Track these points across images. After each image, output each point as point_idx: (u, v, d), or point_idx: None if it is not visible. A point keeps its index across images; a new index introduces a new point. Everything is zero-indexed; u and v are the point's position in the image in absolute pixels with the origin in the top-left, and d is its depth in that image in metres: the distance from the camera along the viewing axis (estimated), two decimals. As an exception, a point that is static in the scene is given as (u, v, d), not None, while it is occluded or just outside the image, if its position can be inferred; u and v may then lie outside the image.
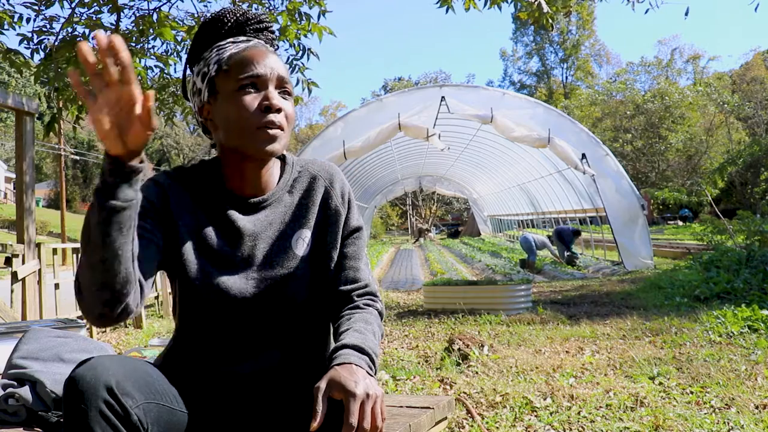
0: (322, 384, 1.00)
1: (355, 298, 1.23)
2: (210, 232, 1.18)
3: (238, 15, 1.22)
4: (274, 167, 1.24)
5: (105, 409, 0.95)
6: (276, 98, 1.14)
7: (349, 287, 1.23)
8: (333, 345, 1.14)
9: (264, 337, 1.19)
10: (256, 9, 5.14)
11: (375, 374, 1.09)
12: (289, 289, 1.19)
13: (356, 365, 1.04)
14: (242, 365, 1.18)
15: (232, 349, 1.18)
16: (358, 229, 1.28)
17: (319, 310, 1.25)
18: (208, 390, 1.17)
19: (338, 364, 1.04)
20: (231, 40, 1.20)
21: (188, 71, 1.27)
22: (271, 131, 1.13)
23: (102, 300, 1.00)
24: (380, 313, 1.25)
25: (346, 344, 1.09)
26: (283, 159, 1.28)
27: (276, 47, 1.28)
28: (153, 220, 1.14)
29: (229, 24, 1.21)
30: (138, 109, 0.93)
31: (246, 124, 1.12)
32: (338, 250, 1.25)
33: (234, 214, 1.19)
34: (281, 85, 1.16)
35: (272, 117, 1.13)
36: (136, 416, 0.98)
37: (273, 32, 1.27)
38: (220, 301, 1.16)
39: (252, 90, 1.13)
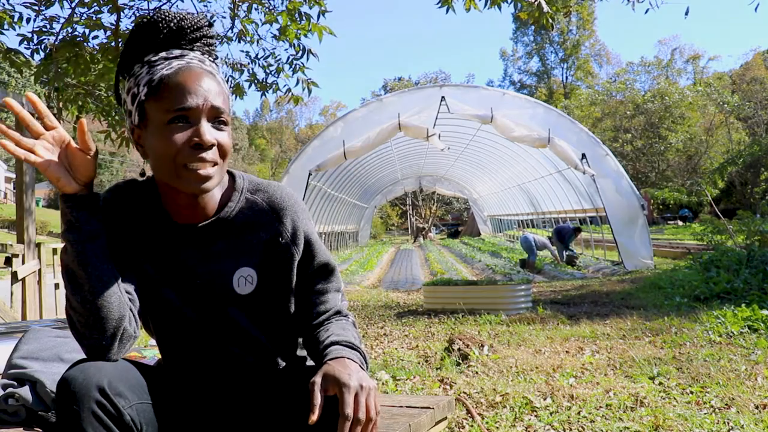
0: (318, 378, 1.01)
1: (325, 321, 1.21)
2: (150, 257, 1.15)
3: (173, 22, 1.11)
4: (215, 190, 1.15)
5: (97, 409, 0.95)
6: (208, 134, 1.05)
7: (319, 319, 1.21)
8: (318, 343, 1.15)
9: (227, 351, 1.19)
10: (256, 9, 5.14)
11: (366, 369, 1.10)
12: (234, 323, 1.17)
13: (348, 359, 1.06)
14: (216, 372, 1.19)
15: (200, 358, 1.19)
16: (324, 266, 1.23)
17: (279, 322, 1.23)
18: (195, 393, 1.17)
19: (331, 359, 1.05)
20: (164, 55, 1.09)
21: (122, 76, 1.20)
22: (203, 171, 1.05)
23: (104, 335, 1.03)
24: (353, 324, 1.23)
25: (335, 341, 1.11)
26: (232, 177, 1.20)
27: (215, 57, 1.17)
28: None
29: (165, 32, 1.10)
30: (73, 143, 1.00)
31: (175, 163, 1.04)
32: (303, 287, 1.21)
33: (173, 241, 1.15)
34: (215, 115, 1.07)
35: (203, 155, 1.04)
36: (129, 416, 0.98)
37: (212, 39, 1.16)
38: (172, 325, 1.18)
39: (182, 123, 1.05)
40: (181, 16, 1.12)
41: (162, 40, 1.10)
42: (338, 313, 1.23)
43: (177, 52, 1.11)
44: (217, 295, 1.15)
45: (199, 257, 1.15)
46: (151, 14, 1.13)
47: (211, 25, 1.17)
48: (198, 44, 1.14)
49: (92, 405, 0.95)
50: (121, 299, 1.04)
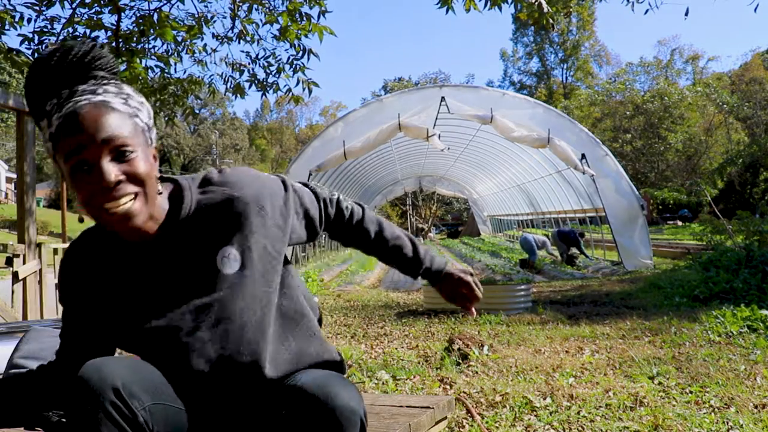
0: (458, 274, 1.55)
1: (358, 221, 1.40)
2: (124, 290, 1.14)
3: (54, 59, 1.06)
4: (160, 200, 1.13)
5: (111, 410, 0.96)
6: (109, 173, 1.01)
7: (352, 219, 1.39)
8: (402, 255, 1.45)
9: (227, 358, 1.14)
10: (256, 9, 5.15)
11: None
12: (226, 310, 1.13)
13: (446, 260, 1.46)
14: (214, 384, 1.15)
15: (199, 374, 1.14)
16: (325, 201, 1.35)
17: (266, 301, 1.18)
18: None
19: (439, 270, 1.55)
20: (55, 101, 1.05)
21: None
22: (121, 209, 1.03)
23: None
24: (362, 209, 1.41)
25: (419, 255, 1.48)
26: (176, 187, 1.17)
27: (114, 74, 1.12)
28: (80, 313, 1.21)
29: (50, 74, 1.06)
30: None
31: (91, 209, 1.04)
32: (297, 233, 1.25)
33: (137, 263, 1.14)
34: (115, 146, 1.02)
35: (114, 194, 1.02)
36: (143, 418, 0.99)
37: (104, 60, 1.10)
38: (168, 349, 1.13)
39: (85, 168, 1.02)
40: (64, 48, 1.07)
41: (53, 83, 1.06)
42: (358, 206, 1.41)
43: (66, 92, 1.06)
44: (205, 283, 1.12)
45: (172, 260, 1.13)
46: (35, 56, 1.12)
47: (101, 47, 1.12)
48: (91, 74, 1.09)
49: (107, 406, 0.95)
50: None
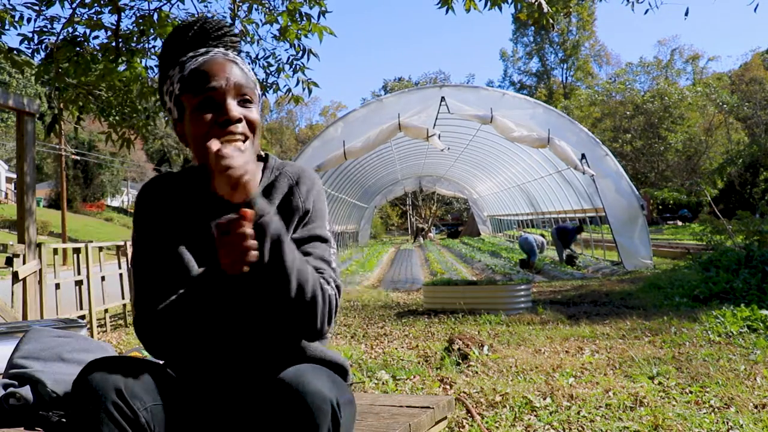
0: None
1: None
2: (192, 234, 1.20)
3: (197, 25, 1.23)
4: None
5: (113, 411, 0.96)
6: (234, 109, 1.14)
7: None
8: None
9: (243, 335, 1.19)
10: (256, 9, 5.15)
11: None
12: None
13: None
14: (225, 362, 1.18)
15: (215, 346, 1.19)
16: (317, 237, 1.23)
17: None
18: (202, 387, 1.17)
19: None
20: (191, 54, 1.20)
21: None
22: (235, 143, 1.11)
23: (184, 346, 1.13)
24: (337, 287, 1.20)
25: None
26: (266, 159, 1.29)
27: (238, 51, 1.28)
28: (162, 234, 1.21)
29: (191, 34, 1.22)
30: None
31: (203, 145, 1.09)
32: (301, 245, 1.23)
33: (216, 211, 1.17)
34: (240, 93, 1.17)
35: (232, 129, 1.13)
36: (144, 419, 0.99)
37: (235, 36, 1.27)
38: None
39: (210, 105, 1.14)
40: (204, 19, 1.24)
41: (189, 43, 1.22)
42: (332, 278, 1.20)
43: (203, 49, 1.21)
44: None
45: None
46: (180, 23, 1.23)
47: (232, 25, 1.26)
48: (222, 41, 1.25)
49: (109, 406, 0.96)
50: None
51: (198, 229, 1.20)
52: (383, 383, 3.26)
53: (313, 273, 1.12)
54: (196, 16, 1.17)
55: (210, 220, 1.17)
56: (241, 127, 1.15)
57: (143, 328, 1.13)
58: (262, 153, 1.29)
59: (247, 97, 1.18)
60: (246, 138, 1.15)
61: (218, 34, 1.24)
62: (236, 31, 1.28)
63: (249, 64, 1.39)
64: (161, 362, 1.21)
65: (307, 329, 1.14)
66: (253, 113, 1.18)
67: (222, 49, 1.23)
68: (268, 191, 1.24)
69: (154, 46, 5.12)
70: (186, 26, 1.23)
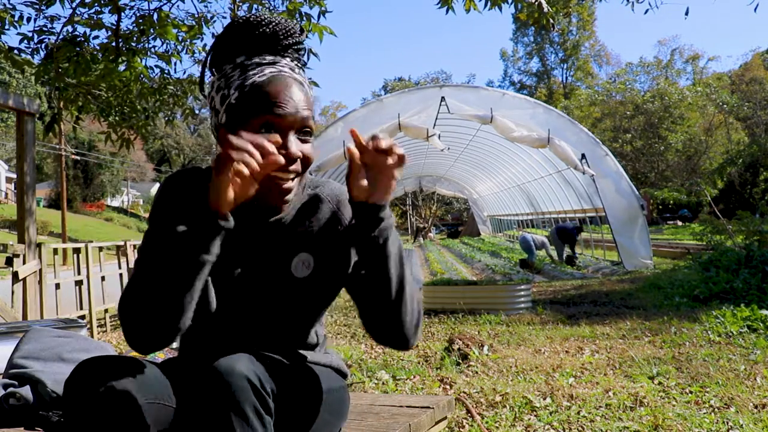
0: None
1: None
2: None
3: (269, 26, 1.12)
4: None
5: (109, 410, 0.96)
6: (294, 146, 1.07)
7: None
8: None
9: (254, 345, 1.20)
10: (256, 9, 5.15)
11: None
12: (282, 308, 1.20)
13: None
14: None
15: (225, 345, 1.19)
16: None
17: (308, 320, 1.25)
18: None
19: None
20: (257, 60, 1.11)
21: (208, 72, 1.20)
22: (285, 185, 1.08)
23: (162, 337, 1.03)
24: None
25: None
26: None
27: (303, 64, 1.19)
28: None
29: (259, 35, 1.11)
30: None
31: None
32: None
33: (239, 228, 1.15)
34: (303, 126, 1.09)
35: (289, 167, 1.07)
36: (140, 418, 0.98)
37: (302, 45, 1.17)
38: (214, 316, 1.17)
39: (271, 132, 1.05)
40: (276, 21, 1.13)
41: (255, 43, 1.11)
42: None
43: (270, 58, 1.11)
44: (273, 283, 1.18)
45: (262, 245, 1.17)
46: (247, 15, 1.13)
47: (302, 31, 1.17)
48: (290, 51, 1.14)
49: (104, 406, 0.96)
50: (191, 313, 1.04)
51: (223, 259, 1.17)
52: (383, 383, 3.26)
53: (410, 277, 1.12)
54: (268, 14, 1.06)
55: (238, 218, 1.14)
56: (296, 165, 1.08)
57: (126, 310, 1.04)
58: None
59: (308, 130, 1.10)
60: (297, 176, 1.10)
61: (287, 42, 1.13)
62: (303, 39, 1.16)
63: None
64: (158, 361, 1.21)
65: (400, 334, 1.11)
66: (310, 149, 1.11)
67: (289, 63, 1.13)
68: (304, 212, 1.20)
69: (154, 46, 5.12)
70: (255, 23, 1.11)
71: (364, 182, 1.06)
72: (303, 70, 1.17)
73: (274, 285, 1.18)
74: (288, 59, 1.14)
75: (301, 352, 1.27)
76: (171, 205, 1.12)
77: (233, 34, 1.13)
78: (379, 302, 1.09)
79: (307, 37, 1.20)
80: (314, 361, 1.25)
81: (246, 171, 0.96)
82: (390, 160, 1.05)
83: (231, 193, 0.98)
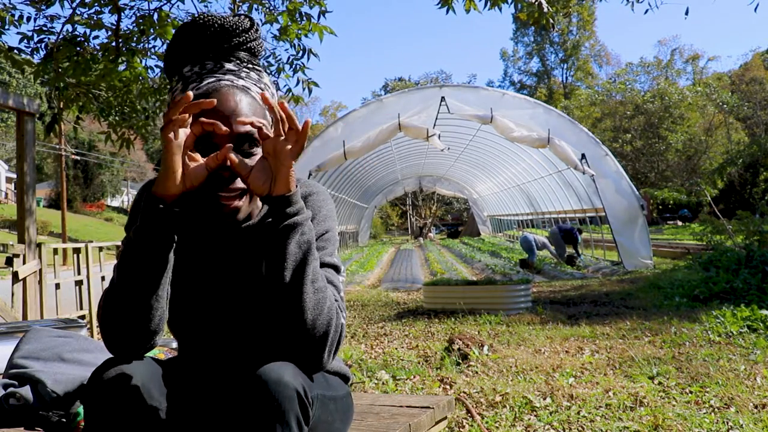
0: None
1: None
2: (192, 248, 1.18)
3: (215, 26, 1.08)
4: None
5: (130, 411, 0.98)
6: (232, 165, 1.03)
7: None
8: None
9: (236, 341, 1.20)
10: (256, 9, 5.15)
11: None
12: (262, 310, 1.19)
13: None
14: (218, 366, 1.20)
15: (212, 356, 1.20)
16: (325, 231, 1.19)
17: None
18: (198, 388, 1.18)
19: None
20: (197, 69, 1.08)
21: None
22: (232, 203, 1.07)
23: (138, 338, 1.04)
24: (337, 288, 1.15)
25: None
26: None
27: (257, 61, 1.16)
28: None
29: (206, 35, 1.08)
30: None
31: (203, 189, 1.05)
32: None
33: (218, 234, 1.18)
34: (244, 141, 1.06)
35: (230, 185, 1.06)
36: (160, 419, 1.01)
37: (255, 41, 1.14)
38: (196, 315, 1.19)
39: (206, 147, 1.04)
40: (223, 20, 1.09)
41: (202, 45, 1.09)
42: (333, 268, 1.19)
43: (210, 65, 1.09)
44: (248, 282, 1.17)
45: (235, 248, 1.18)
46: (195, 16, 1.10)
47: (252, 25, 1.12)
48: (239, 51, 1.12)
49: (126, 407, 0.97)
50: (165, 308, 1.06)
51: (194, 231, 1.19)
52: (383, 383, 3.26)
53: (331, 297, 1.09)
54: (215, 14, 1.06)
55: (206, 224, 1.18)
56: (240, 182, 1.06)
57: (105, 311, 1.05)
58: None
59: (254, 139, 1.06)
60: (245, 193, 1.08)
61: (236, 42, 1.10)
62: (256, 37, 1.13)
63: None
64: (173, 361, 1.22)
65: (313, 357, 1.07)
66: (255, 159, 1.06)
67: (232, 67, 1.09)
68: None
69: (154, 46, 5.12)
70: (201, 25, 1.08)
71: (260, 174, 1.03)
72: (256, 69, 1.13)
73: (250, 287, 1.17)
74: (234, 62, 1.10)
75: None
76: (138, 209, 1.11)
77: (182, 37, 1.10)
78: (275, 307, 1.05)
79: (258, 32, 1.13)
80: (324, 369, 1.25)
81: (184, 134, 0.97)
82: (288, 145, 1.02)
83: (176, 175, 0.98)
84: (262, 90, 1.12)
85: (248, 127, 1.05)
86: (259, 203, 1.17)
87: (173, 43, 1.12)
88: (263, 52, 1.19)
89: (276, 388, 0.97)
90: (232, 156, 1.01)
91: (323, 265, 1.14)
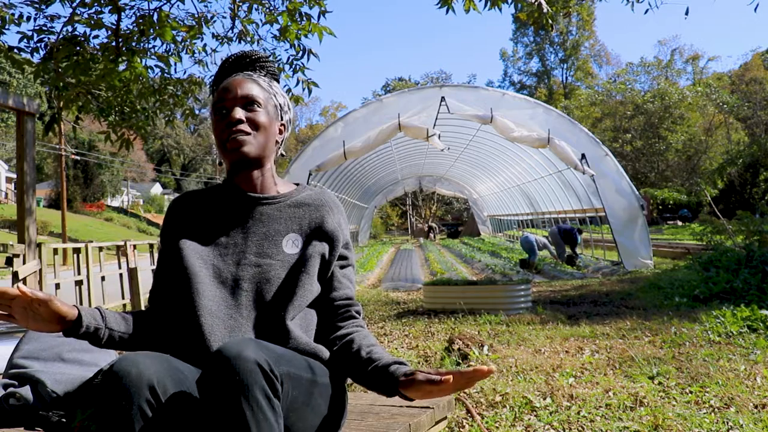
0: (423, 375, 1.18)
1: (350, 309, 1.40)
2: (211, 221, 1.39)
3: (235, 56, 1.47)
4: (275, 178, 1.45)
5: (146, 407, 1.00)
6: (238, 113, 1.34)
7: (344, 302, 1.40)
8: (367, 355, 1.30)
9: (243, 317, 1.27)
10: (256, 9, 5.15)
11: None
12: (270, 275, 1.32)
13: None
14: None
15: (215, 330, 1.25)
16: (352, 267, 1.46)
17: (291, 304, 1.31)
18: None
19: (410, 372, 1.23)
20: (225, 79, 1.44)
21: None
22: (238, 137, 1.34)
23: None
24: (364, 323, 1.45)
25: (397, 361, 1.26)
26: (297, 184, 1.51)
27: (264, 72, 1.47)
28: (166, 251, 1.39)
29: (230, 61, 1.46)
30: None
31: (219, 141, 1.36)
32: (333, 267, 1.40)
33: (237, 205, 1.39)
34: (248, 101, 1.37)
35: (235, 128, 1.34)
36: (175, 414, 1.03)
37: (266, 62, 1.48)
38: (209, 282, 1.29)
39: (223, 112, 1.36)
40: (245, 52, 1.47)
41: (227, 70, 1.46)
42: (356, 307, 1.42)
43: (236, 72, 1.45)
44: (265, 252, 1.34)
45: (257, 220, 1.38)
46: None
47: (267, 58, 1.49)
48: (253, 66, 1.46)
49: (142, 402, 1.00)
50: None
51: (216, 240, 1.36)
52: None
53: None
54: (254, 51, 1.59)
55: (227, 207, 1.40)
56: (243, 126, 1.35)
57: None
58: (284, 152, 1.53)
59: (255, 102, 1.37)
60: (248, 134, 1.35)
61: (250, 60, 1.46)
62: (271, 60, 1.50)
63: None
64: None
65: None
66: (257, 115, 1.37)
67: (247, 71, 1.44)
68: (295, 201, 1.42)
69: (154, 46, 5.12)
70: (233, 57, 1.47)
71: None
72: (272, 79, 1.48)
73: (268, 256, 1.34)
74: (248, 70, 1.45)
75: (293, 336, 1.29)
76: (173, 227, 1.40)
77: (218, 72, 1.48)
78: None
79: (275, 62, 1.52)
80: (302, 348, 1.29)
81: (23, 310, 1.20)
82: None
83: (52, 326, 1.24)
84: (269, 83, 1.44)
85: (251, 93, 1.37)
86: (275, 177, 1.45)
87: (216, 75, 1.48)
88: (276, 74, 1.51)
89: (236, 362, 1.00)
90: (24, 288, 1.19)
91: (347, 276, 1.44)
